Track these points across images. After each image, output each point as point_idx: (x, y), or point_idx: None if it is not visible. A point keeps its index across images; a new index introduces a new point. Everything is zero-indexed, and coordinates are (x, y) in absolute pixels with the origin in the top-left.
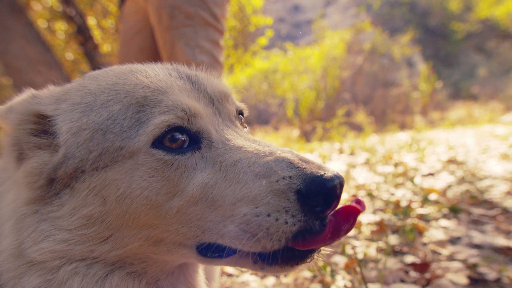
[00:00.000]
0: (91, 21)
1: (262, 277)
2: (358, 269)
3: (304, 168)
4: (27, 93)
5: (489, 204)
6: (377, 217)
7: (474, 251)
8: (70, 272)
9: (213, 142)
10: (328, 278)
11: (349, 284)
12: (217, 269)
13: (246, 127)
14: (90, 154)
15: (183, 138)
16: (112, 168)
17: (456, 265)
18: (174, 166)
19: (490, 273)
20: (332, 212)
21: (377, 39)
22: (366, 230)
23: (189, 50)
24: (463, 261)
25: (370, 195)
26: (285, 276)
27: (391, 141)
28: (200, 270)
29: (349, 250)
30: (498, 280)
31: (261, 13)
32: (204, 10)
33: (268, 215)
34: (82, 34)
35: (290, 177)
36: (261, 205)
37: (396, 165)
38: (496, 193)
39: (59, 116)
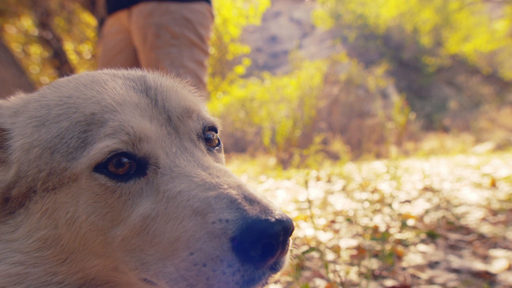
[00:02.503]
0: (68, 46)
1: None
2: None
3: (245, 210)
4: None
5: (465, 230)
6: (355, 242)
7: (452, 275)
8: None
9: (160, 168)
10: None
11: None
12: None
13: (218, 143)
14: (40, 173)
15: (128, 163)
16: (61, 191)
17: None
18: (117, 194)
19: None
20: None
21: (353, 70)
22: (345, 255)
23: (174, 69)
24: (442, 285)
25: (349, 220)
26: None
27: (367, 169)
28: None
29: (329, 274)
30: None
31: (239, 42)
32: (190, 30)
33: (204, 265)
34: (58, 58)
35: (227, 220)
36: (195, 251)
37: (373, 192)
38: (472, 219)
39: (15, 130)
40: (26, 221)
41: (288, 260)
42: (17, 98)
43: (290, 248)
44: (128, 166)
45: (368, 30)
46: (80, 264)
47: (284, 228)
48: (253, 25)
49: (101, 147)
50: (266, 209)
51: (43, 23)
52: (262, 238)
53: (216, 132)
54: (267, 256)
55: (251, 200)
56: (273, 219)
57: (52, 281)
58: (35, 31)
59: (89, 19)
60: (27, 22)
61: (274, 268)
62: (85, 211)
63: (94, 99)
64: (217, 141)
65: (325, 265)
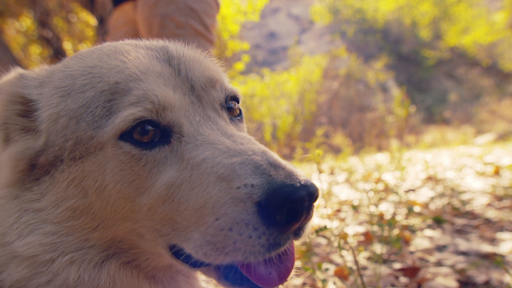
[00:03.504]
0: (67, 45)
1: None
2: (351, 275)
3: (270, 175)
4: (15, 73)
5: (471, 215)
6: (362, 228)
7: (460, 258)
8: (66, 262)
9: (184, 136)
10: (319, 284)
11: (341, 287)
12: None
13: (240, 113)
14: (67, 142)
15: (153, 131)
16: (88, 160)
17: (444, 270)
18: (142, 161)
19: (479, 276)
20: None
21: (352, 65)
22: (353, 241)
23: None
24: (451, 267)
25: (354, 208)
26: None
27: (370, 161)
28: None
29: (337, 259)
30: (487, 283)
31: (238, 39)
32: (195, 20)
33: (231, 230)
34: (58, 58)
35: (253, 185)
36: (221, 216)
37: (377, 182)
38: (477, 205)
39: (42, 100)
40: (52, 189)
41: (310, 226)
42: (41, 69)
43: (313, 214)
44: (152, 134)
45: (366, 24)
46: (112, 229)
47: (309, 193)
48: (252, 22)
49: (126, 115)
50: (291, 175)
51: (43, 22)
52: (288, 203)
53: (238, 102)
54: (292, 221)
55: (275, 166)
56: (298, 184)
57: (85, 246)
58: (35, 31)
59: (88, 18)
60: (26, 22)
61: (298, 234)
62: (113, 179)
63: (118, 69)
64: (238, 111)
65: (339, 246)
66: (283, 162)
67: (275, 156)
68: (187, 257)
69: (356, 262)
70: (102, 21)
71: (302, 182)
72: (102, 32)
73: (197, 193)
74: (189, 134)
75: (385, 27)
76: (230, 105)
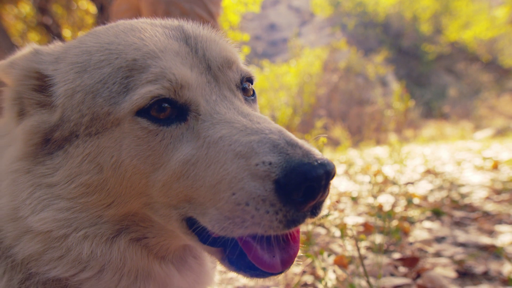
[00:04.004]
0: (66, 33)
1: None
2: (351, 264)
3: (288, 154)
4: (29, 47)
5: (470, 208)
6: (361, 219)
7: (459, 249)
8: (80, 238)
9: (201, 115)
10: (319, 272)
11: (341, 275)
12: None
13: (254, 94)
14: (83, 118)
15: (170, 108)
16: (104, 135)
17: (443, 260)
18: (159, 137)
19: (478, 267)
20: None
21: (352, 58)
22: (352, 231)
23: None
24: (450, 257)
25: (354, 199)
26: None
27: (368, 154)
28: None
29: (337, 248)
30: (485, 273)
31: (238, 30)
32: (200, 7)
33: (247, 204)
34: None
35: (270, 163)
36: (237, 191)
37: (375, 174)
38: (476, 198)
39: (57, 76)
40: (65, 164)
41: (326, 205)
42: (56, 45)
43: (330, 192)
44: (169, 112)
45: (367, 17)
46: (127, 205)
47: (326, 172)
48: (252, 13)
49: (144, 92)
50: (308, 153)
51: (42, 9)
52: (305, 181)
53: (252, 83)
54: (309, 199)
55: (293, 144)
56: (316, 163)
57: (98, 222)
58: (34, 17)
59: (88, 6)
60: (25, 8)
61: (314, 212)
62: (129, 155)
63: (136, 46)
64: (252, 92)
65: (342, 234)
66: (300, 141)
67: (292, 135)
68: (200, 231)
69: (358, 249)
70: (102, 9)
71: (320, 161)
72: (102, 19)
73: (214, 170)
74: (205, 113)
75: (386, 20)
76: (245, 86)
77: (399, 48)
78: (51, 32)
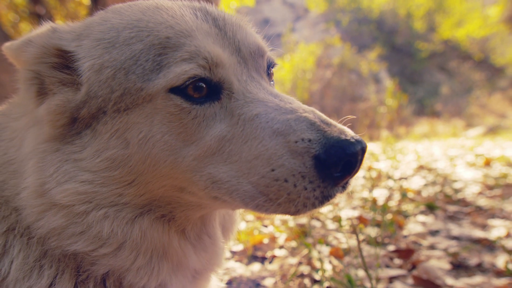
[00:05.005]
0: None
1: (247, 264)
2: (347, 256)
3: (325, 131)
4: (46, 26)
5: (463, 203)
6: (356, 213)
7: (453, 242)
8: (100, 217)
9: (234, 93)
10: (316, 262)
11: (337, 266)
12: (236, 221)
13: (272, 81)
14: (112, 94)
15: (203, 88)
16: (134, 111)
17: (437, 253)
18: (192, 115)
19: (472, 259)
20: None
21: (346, 54)
22: (347, 225)
23: None
24: (444, 250)
25: (348, 192)
26: (271, 262)
27: None
28: (216, 221)
29: (332, 241)
30: (479, 265)
31: None
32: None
33: (286, 181)
34: None
35: (310, 140)
36: (277, 167)
37: (369, 169)
38: (469, 193)
39: (81, 52)
40: (93, 141)
41: (354, 181)
42: (74, 24)
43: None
44: (203, 91)
45: (361, 14)
46: (147, 187)
47: (362, 148)
48: (247, 7)
49: (179, 72)
50: (344, 131)
51: None
52: (345, 156)
53: (273, 68)
54: (346, 174)
55: (328, 123)
56: (353, 139)
57: (118, 202)
58: (26, 7)
59: None
60: None
61: (344, 187)
62: (160, 131)
63: (168, 24)
64: (272, 78)
65: (340, 225)
66: (332, 120)
67: (323, 115)
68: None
69: (358, 239)
70: (95, 0)
71: (355, 138)
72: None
73: (251, 146)
74: (238, 92)
75: (380, 17)
76: (270, 72)
77: (392, 45)
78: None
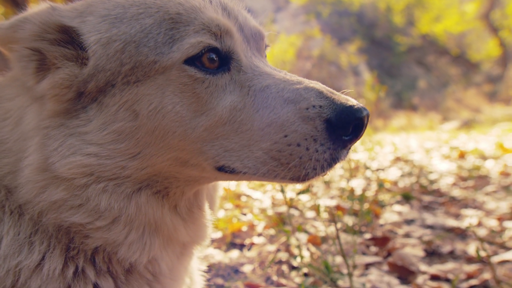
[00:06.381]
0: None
1: (226, 251)
2: (324, 243)
3: (333, 98)
4: (44, 5)
5: (438, 193)
6: (334, 202)
7: (427, 231)
8: (99, 190)
9: (242, 67)
10: (294, 249)
11: (315, 253)
12: (217, 197)
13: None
14: (122, 67)
15: (215, 59)
16: (144, 83)
17: (412, 241)
18: (205, 84)
19: (444, 247)
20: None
21: (326, 46)
22: (324, 214)
23: None
24: (419, 238)
25: (326, 183)
26: (249, 249)
27: None
28: (205, 196)
29: (310, 229)
30: (451, 252)
31: None
32: None
33: (298, 145)
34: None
35: (320, 106)
36: (289, 133)
37: (347, 160)
38: (443, 184)
39: (86, 28)
40: (99, 114)
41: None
42: (73, 4)
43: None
44: (215, 63)
45: (342, 6)
46: (151, 160)
47: (367, 114)
48: None
49: (193, 42)
50: (349, 99)
51: None
52: (354, 119)
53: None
54: (354, 137)
55: (333, 92)
56: (359, 106)
57: (120, 175)
58: None
59: None
60: None
61: (347, 152)
62: (172, 101)
63: (176, 1)
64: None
65: (318, 212)
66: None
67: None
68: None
69: (336, 226)
70: None
71: (361, 105)
72: None
73: (262, 115)
74: (246, 66)
75: (360, 10)
76: (265, 54)
77: (372, 38)
78: (17, 5)
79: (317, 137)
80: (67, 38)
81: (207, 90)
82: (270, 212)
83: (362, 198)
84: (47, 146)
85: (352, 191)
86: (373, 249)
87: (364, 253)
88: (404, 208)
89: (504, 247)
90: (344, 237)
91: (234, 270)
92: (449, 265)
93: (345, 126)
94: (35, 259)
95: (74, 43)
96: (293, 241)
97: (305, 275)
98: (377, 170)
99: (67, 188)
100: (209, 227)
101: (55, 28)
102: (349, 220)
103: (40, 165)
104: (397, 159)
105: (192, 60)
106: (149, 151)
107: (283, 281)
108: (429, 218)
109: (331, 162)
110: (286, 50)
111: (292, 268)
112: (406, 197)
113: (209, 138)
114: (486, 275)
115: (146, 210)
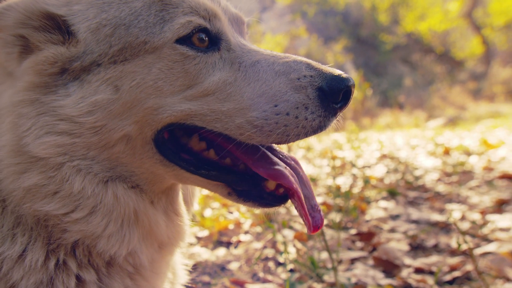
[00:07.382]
0: None
1: (213, 249)
2: (311, 240)
3: (322, 69)
4: None
5: (423, 189)
6: (320, 199)
7: (412, 225)
8: (73, 169)
9: (231, 46)
10: (280, 246)
11: (301, 249)
12: (195, 196)
13: None
14: (110, 48)
15: (205, 39)
16: (131, 62)
17: (397, 236)
18: (196, 61)
19: (429, 241)
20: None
21: (312, 45)
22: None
23: None
24: (404, 233)
25: (313, 180)
26: (236, 246)
27: (326, 140)
28: (181, 199)
29: (296, 226)
30: (435, 246)
31: None
32: None
33: (287, 114)
34: None
35: (311, 76)
36: (280, 102)
37: (333, 158)
38: (428, 180)
39: (74, 14)
40: (79, 90)
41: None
42: None
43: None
44: (205, 42)
45: (327, 6)
46: (109, 135)
47: (353, 83)
48: None
49: (184, 22)
50: (336, 70)
51: None
52: (344, 87)
53: None
54: (344, 104)
55: (321, 64)
56: (346, 75)
57: (87, 156)
58: None
59: None
60: None
61: (336, 119)
62: (156, 77)
63: None
64: None
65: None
66: None
67: None
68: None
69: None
70: None
71: (347, 75)
72: None
73: (254, 87)
74: (234, 44)
75: (346, 9)
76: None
77: (358, 37)
78: None
79: (309, 105)
80: (53, 24)
81: (197, 67)
82: (257, 211)
83: (347, 195)
84: (20, 126)
85: (338, 188)
86: (359, 244)
87: (350, 248)
88: (389, 204)
89: (486, 239)
90: (330, 233)
91: (220, 268)
92: (433, 258)
93: (336, 94)
94: (17, 250)
95: (61, 29)
96: (279, 238)
97: (291, 271)
98: (364, 167)
99: (42, 168)
100: (187, 230)
101: (39, 16)
102: (336, 216)
103: (14, 147)
104: (383, 156)
105: (184, 40)
106: (110, 124)
107: (269, 277)
108: (414, 213)
109: (317, 129)
110: (272, 50)
111: (279, 264)
112: (392, 193)
113: (179, 102)
114: (469, 267)
115: (126, 201)
